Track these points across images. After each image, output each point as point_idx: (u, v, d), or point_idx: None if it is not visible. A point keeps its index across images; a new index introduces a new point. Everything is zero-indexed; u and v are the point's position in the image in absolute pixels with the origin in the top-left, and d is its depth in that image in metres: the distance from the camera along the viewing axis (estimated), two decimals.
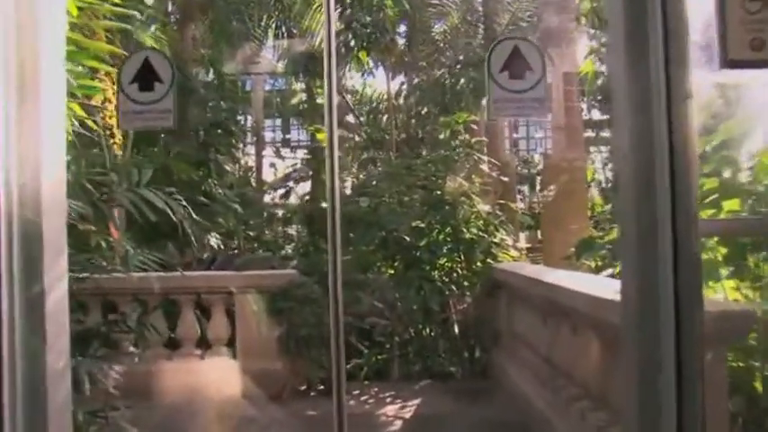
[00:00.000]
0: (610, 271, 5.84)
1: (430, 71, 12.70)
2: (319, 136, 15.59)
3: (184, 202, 4.35)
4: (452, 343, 7.91)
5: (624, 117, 2.03)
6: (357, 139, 16.97)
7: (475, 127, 8.51)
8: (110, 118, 5.49)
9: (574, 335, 4.80)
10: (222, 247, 9.43)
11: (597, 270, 6.53)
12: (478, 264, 7.71)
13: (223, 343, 7.14)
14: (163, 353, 7.20)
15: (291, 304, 6.76)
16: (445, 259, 7.80)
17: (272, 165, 23.02)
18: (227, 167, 9.85)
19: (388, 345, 8.20)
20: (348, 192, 17.43)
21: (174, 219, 4.15)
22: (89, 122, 4.05)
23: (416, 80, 11.81)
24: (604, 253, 6.39)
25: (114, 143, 6.32)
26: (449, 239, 7.75)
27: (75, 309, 7.27)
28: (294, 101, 23.28)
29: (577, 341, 4.71)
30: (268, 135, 23.22)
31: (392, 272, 8.66)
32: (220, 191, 10.36)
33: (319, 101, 20.93)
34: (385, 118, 15.12)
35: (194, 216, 4.44)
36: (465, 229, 7.61)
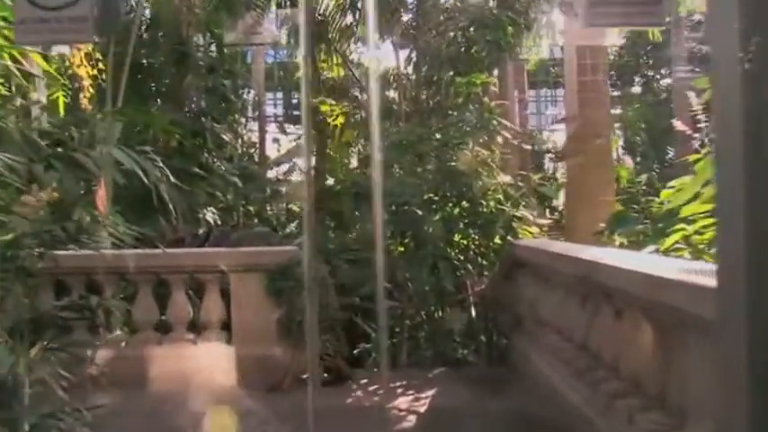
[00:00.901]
0: (652, 248, 5.19)
1: (441, 39, 11.97)
2: (323, 107, 14.92)
3: (161, 164, 3.66)
4: (468, 327, 7.27)
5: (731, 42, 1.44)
6: (363, 114, 16.34)
7: (495, 89, 7.78)
8: (77, 67, 4.81)
9: (618, 319, 4.14)
10: (219, 222, 8.77)
11: (632, 247, 5.88)
12: (497, 240, 7.03)
13: (217, 327, 6.52)
14: (152, 337, 6.59)
15: (292, 284, 6.11)
16: (461, 235, 7.11)
17: (276, 140, 22.34)
18: (225, 137, 9.16)
19: (397, 329, 7.56)
20: (353, 165, 16.81)
21: (147, 182, 3.47)
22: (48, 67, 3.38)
23: (427, 44, 11.04)
24: (641, 228, 5.74)
25: (85, 97, 5.64)
26: (465, 214, 7.06)
27: (55, 289, 6.66)
28: (298, 74, 22.52)
29: (623, 327, 4.04)
30: (270, 110, 22.53)
31: (402, 249, 8.03)
32: (218, 163, 9.71)
33: (327, 74, 20.26)
34: (393, 89, 14.44)
35: (173, 180, 3.75)
36: (483, 202, 6.92)
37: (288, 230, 12.69)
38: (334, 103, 15.41)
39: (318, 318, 6.14)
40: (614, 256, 4.24)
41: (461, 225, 7.00)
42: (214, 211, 8.76)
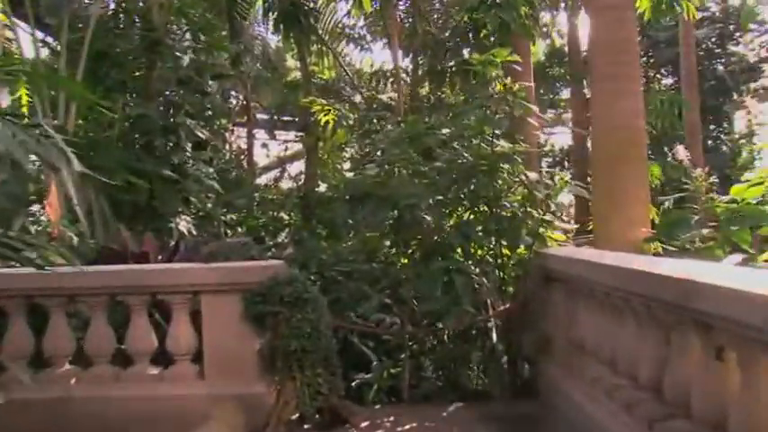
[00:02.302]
0: (735, 257, 4.08)
1: (444, 26, 10.89)
2: (315, 107, 13.94)
3: (61, 143, 2.53)
4: (488, 352, 6.14)
5: None
6: (356, 115, 15.39)
7: (519, 68, 6.64)
8: None
9: (716, 359, 3.03)
10: (195, 232, 7.61)
11: (682, 255, 4.79)
12: (521, 250, 5.88)
13: (187, 359, 5.38)
14: (108, 372, 5.43)
15: (276, 308, 4.97)
16: (477, 244, 5.95)
17: (264, 145, 21.30)
18: (201, 134, 8.00)
19: (402, 354, 6.44)
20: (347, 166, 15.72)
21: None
22: None
23: (427, 33, 9.94)
24: (708, 232, 4.64)
25: None
26: (482, 218, 5.93)
27: None
28: (289, 77, 21.55)
29: (730, 370, 2.93)
30: (260, 116, 21.46)
31: (405, 260, 6.93)
32: (196, 166, 8.55)
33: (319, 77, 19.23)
34: (390, 83, 13.39)
35: (79, 167, 2.62)
36: (507, 204, 5.78)
37: (278, 240, 11.72)
38: (325, 102, 14.43)
39: (309, 347, 5.04)
40: (713, 272, 3.11)
41: (480, 231, 5.84)
42: (188, 219, 7.61)
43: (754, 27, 22.82)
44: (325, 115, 11.50)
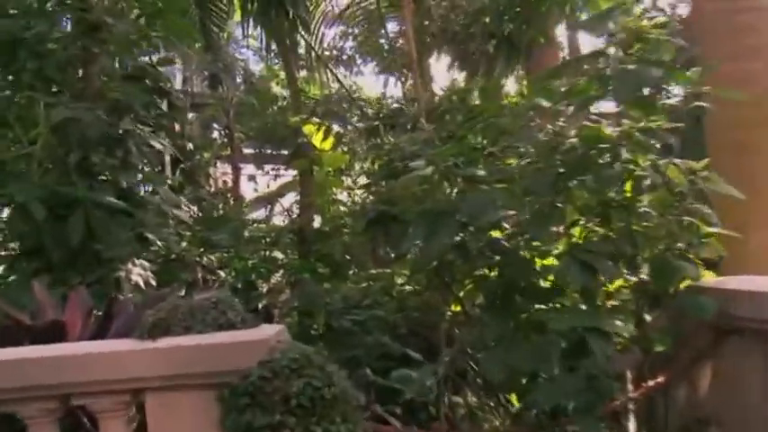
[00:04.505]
0: None
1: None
2: (307, 128, 12.12)
3: None
4: None
5: None
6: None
7: None
8: None
9: None
10: (154, 283, 5.33)
11: None
12: (674, 285, 3.60)
13: None
14: None
15: (277, 417, 2.71)
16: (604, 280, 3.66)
17: (252, 177, 19.37)
18: (157, 144, 5.73)
19: None
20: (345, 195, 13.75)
21: None
22: None
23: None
24: None
25: None
26: (603, 236, 3.68)
27: None
28: (280, 103, 19.73)
29: None
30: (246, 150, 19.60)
31: (456, 308, 4.78)
32: (160, 194, 6.33)
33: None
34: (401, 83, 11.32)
35: None
36: (650, 210, 3.54)
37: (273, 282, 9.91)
38: (318, 121, 12.53)
39: None
40: None
41: (606, 260, 3.53)
42: (146, 265, 5.34)
43: None
44: (321, 142, 9.70)
